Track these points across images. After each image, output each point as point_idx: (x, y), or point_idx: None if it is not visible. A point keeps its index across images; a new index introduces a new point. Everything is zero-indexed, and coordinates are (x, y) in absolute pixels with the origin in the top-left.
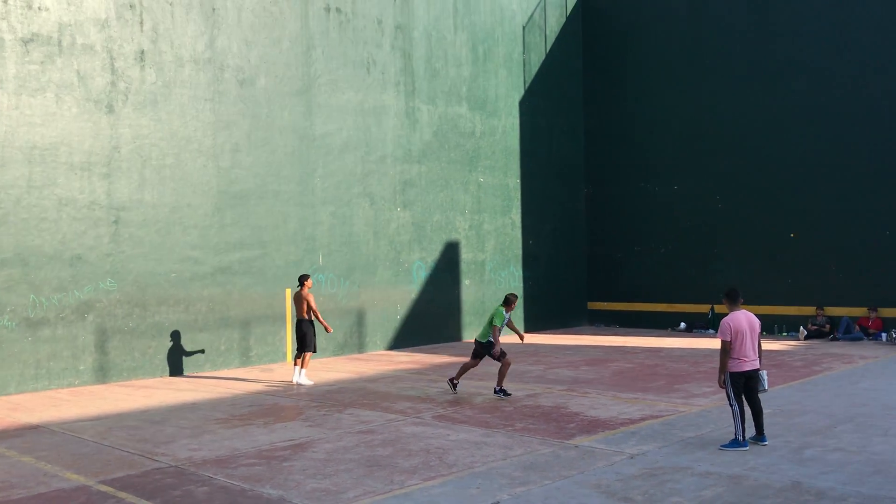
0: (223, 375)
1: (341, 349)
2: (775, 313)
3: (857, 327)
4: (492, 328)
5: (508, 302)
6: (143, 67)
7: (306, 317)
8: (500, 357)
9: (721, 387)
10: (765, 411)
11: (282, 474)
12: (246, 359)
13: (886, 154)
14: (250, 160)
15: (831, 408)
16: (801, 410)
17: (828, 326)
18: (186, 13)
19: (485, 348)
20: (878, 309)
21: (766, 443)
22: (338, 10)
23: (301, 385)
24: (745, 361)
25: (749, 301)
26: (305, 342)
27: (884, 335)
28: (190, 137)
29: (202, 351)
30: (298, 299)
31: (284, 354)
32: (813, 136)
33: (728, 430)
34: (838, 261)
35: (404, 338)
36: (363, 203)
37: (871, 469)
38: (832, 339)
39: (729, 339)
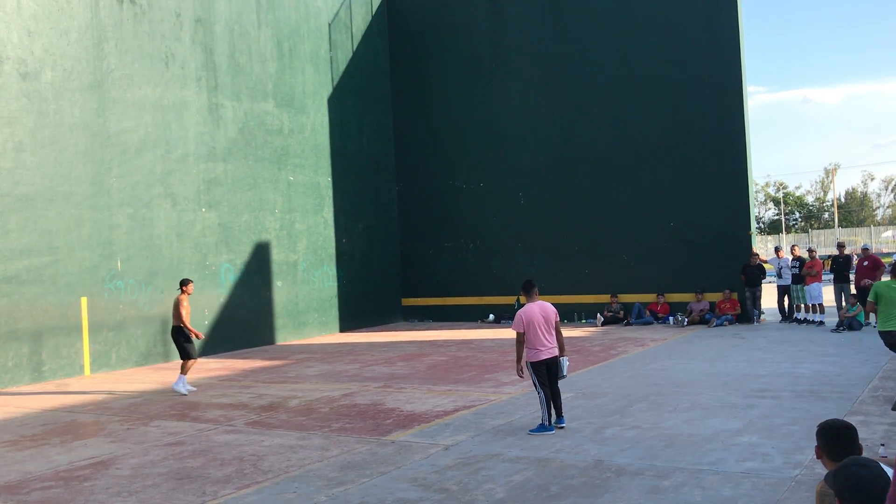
0: (11, 392)
1: (145, 359)
2: (575, 302)
3: (648, 312)
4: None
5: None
6: None
7: (182, 323)
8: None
9: (519, 376)
10: (567, 394)
11: (82, 495)
12: (38, 374)
13: (670, 152)
14: (36, 160)
15: (627, 388)
16: (600, 392)
17: (622, 313)
18: None
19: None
20: (665, 294)
21: (564, 424)
22: (132, 1)
23: (180, 394)
24: (542, 350)
25: (551, 291)
26: (187, 350)
27: (671, 318)
28: None
29: None
30: (175, 305)
31: (82, 367)
32: (605, 134)
33: (536, 415)
34: (629, 251)
35: (214, 344)
36: (165, 204)
37: (663, 444)
38: (626, 325)
39: (522, 331)
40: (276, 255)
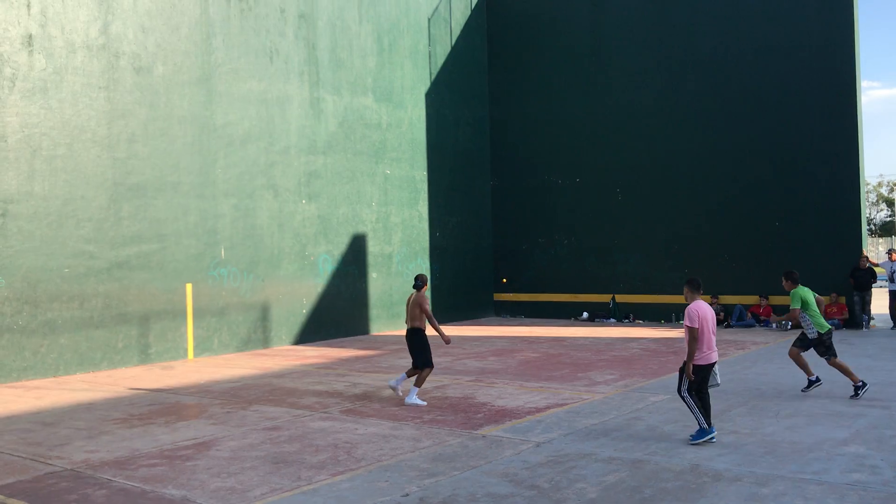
0: (121, 374)
1: (245, 345)
2: (673, 302)
3: (749, 314)
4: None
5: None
6: (31, 53)
7: (419, 324)
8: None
9: (690, 378)
10: (663, 396)
11: (185, 474)
12: (145, 356)
13: (777, 149)
14: (147, 150)
15: (726, 392)
16: None
17: (722, 314)
18: None
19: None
20: (769, 297)
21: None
22: None
23: (417, 405)
24: (712, 353)
25: (648, 290)
26: (426, 356)
27: (773, 323)
28: (83, 127)
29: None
30: (417, 304)
31: (186, 351)
32: (708, 132)
33: (629, 416)
34: (731, 251)
35: (311, 332)
36: (267, 195)
37: (763, 450)
38: (726, 327)
39: (697, 327)
40: (372, 247)
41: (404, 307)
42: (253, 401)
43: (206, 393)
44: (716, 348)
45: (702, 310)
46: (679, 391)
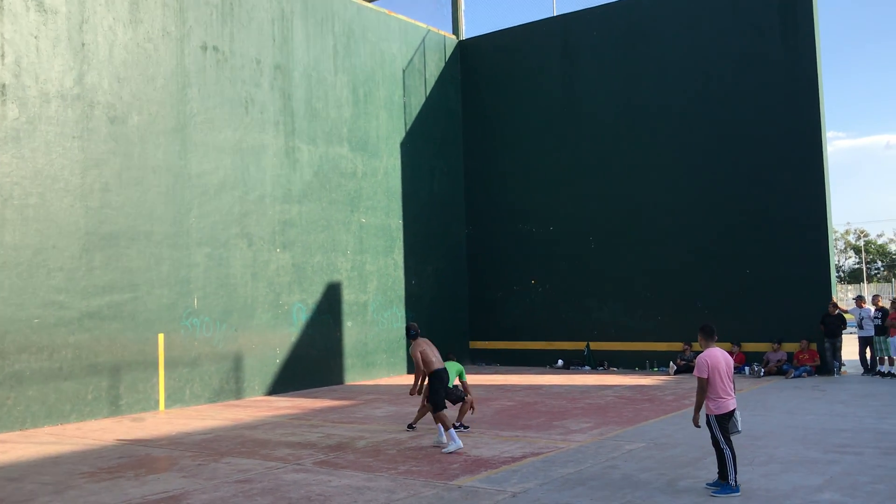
0: (90, 426)
1: (217, 396)
2: (647, 349)
3: None
4: (463, 384)
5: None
6: (3, 102)
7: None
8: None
9: (696, 426)
10: (638, 444)
11: None
12: (115, 408)
13: (746, 198)
14: (121, 200)
15: (701, 439)
16: (673, 443)
17: (695, 361)
18: (53, 47)
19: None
20: (741, 344)
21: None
22: (215, 48)
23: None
24: (728, 399)
25: (622, 337)
26: (440, 398)
27: (746, 369)
28: (56, 176)
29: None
30: (433, 347)
31: (157, 402)
32: (679, 182)
33: (606, 465)
34: (703, 298)
35: (284, 382)
36: (241, 244)
37: (739, 499)
38: None
39: (706, 377)
40: (347, 296)
41: (379, 356)
42: (225, 453)
43: (177, 445)
44: (734, 395)
45: (713, 358)
46: (716, 444)
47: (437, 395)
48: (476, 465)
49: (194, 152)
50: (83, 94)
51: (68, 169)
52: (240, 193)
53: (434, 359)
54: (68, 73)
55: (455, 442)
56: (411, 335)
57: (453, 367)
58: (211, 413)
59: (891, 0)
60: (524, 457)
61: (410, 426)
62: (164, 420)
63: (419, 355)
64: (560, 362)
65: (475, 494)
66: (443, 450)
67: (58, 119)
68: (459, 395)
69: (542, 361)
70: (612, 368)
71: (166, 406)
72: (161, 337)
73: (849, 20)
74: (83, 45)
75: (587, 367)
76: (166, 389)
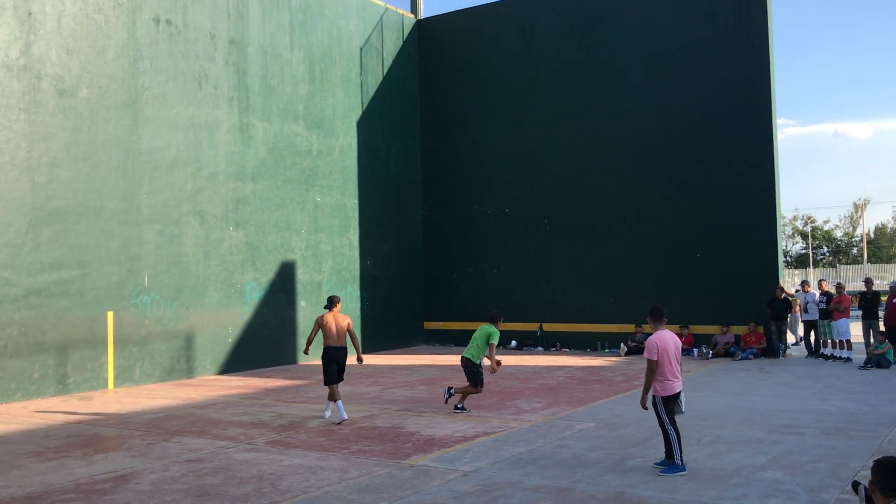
0: (37, 405)
1: (168, 375)
2: (599, 331)
3: None
4: (489, 347)
5: (498, 318)
6: None
7: (345, 342)
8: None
9: (644, 408)
10: (588, 424)
11: None
12: (63, 386)
13: (698, 184)
14: (69, 175)
15: (649, 420)
16: (622, 423)
17: (645, 344)
18: None
19: (479, 368)
20: (690, 326)
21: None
22: (168, 21)
23: (343, 418)
24: (675, 382)
25: (574, 319)
26: (341, 372)
27: (695, 350)
28: (1, 149)
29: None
30: (338, 323)
31: (106, 381)
32: (633, 166)
33: (556, 444)
34: (655, 282)
35: (237, 362)
36: (193, 221)
37: (686, 477)
38: None
39: (656, 359)
40: (301, 276)
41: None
42: (175, 432)
43: (126, 424)
44: (680, 377)
45: (662, 341)
46: (661, 424)
47: (324, 370)
48: (429, 444)
49: (146, 127)
50: (30, 65)
51: (14, 142)
52: (192, 170)
53: (333, 335)
54: (14, 43)
55: (341, 413)
56: (325, 306)
57: (483, 332)
58: (161, 392)
59: None
60: (476, 436)
61: (457, 407)
62: (112, 399)
63: (316, 324)
64: (513, 343)
65: (427, 473)
66: (331, 419)
67: (3, 90)
68: (476, 378)
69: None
70: (564, 349)
71: (115, 385)
72: (110, 315)
73: (802, 10)
74: (30, 14)
75: (540, 348)
76: (115, 368)
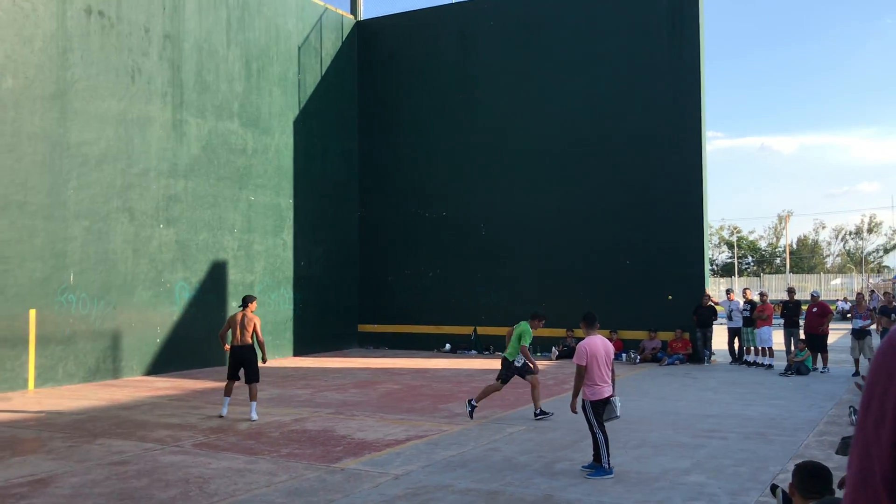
0: None
1: (93, 375)
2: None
3: None
4: (520, 347)
5: (538, 317)
6: None
7: (251, 341)
8: (529, 374)
9: (573, 412)
10: (519, 427)
11: None
12: None
13: (629, 193)
14: None
15: (578, 423)
16: (552, 426)
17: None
18: None
19: (514, 369)
20: (619, 331)
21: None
22: (100, 13)
23: (254, 420)
24: (604, 387)
25: (508, 322)
26: (254, 370)
27: (623, 355)
28: None
29: None
30: (244, 322)
31: (26, 381)
32: (567, 173)
33: (487, 447)
34: (586, 287)
35: (165, 363)
36: (122, 218)
37: (613, 480)
38: None
39: (585, 364)
40: (233, 276)
41: (266, 337)
42: (99, 434)
43: (46, 426)
44: (610, 382)
45: (592, 346)
46: (590, 427)
47: (228, 367)
48: (360, 447)
49: (74, 120)
50: None
51: None
52: (123, 166)
53: (237, 334)
54: None
55: (224, 407)
56: (239, 305)
57: (517, 331)
58: (85, 393)
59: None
60: (408, 439)
61: (471, 403)
62: (33, 400)
63: (227, 322)
64: (448, 346)
65: (358, 477)
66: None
67: None
68: (505, 376)
69: (430, 345)
70: (497, 353)
71: (36, 385)
72: (33, 313)
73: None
74: None
75: (474, 352)
76: (37, 368)
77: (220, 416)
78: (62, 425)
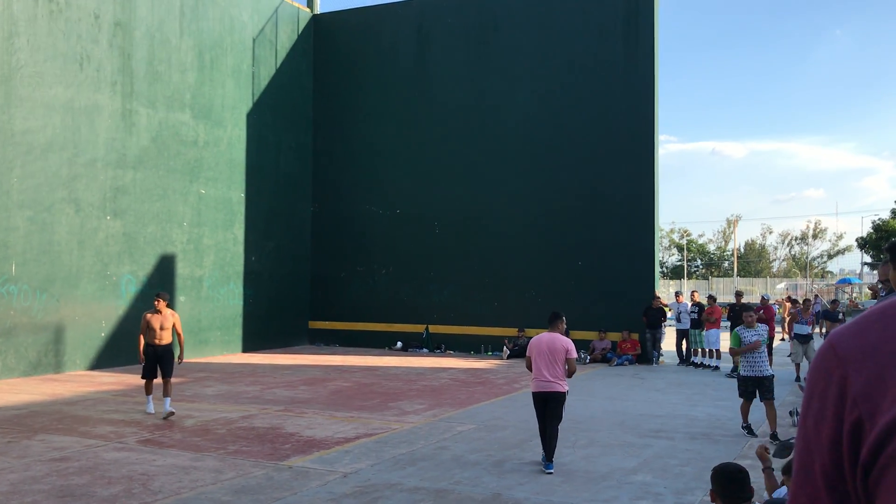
0: None
1: (34, 369)
2: (482, 333)
3: None
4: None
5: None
6: None
7: (170, 339)
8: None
9: None
10: (468, 426)
11: None
12: None
13: (582, 194)
14: None
15: (528, 422)
16: (501, 425)
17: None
18: None
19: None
20: (570, 331)
21: (551, 470)
22: None
23: (173, 413)
24: (537, 381)
25: (460, 321)
26: (171, 367)
27: None
28: None
29: None
30: (163, 322)
31: None
32: (521, 173)
33: (437, 445)
34: (537, 287)
35: (110, 357)
36: (67, 209)
37: (561, 479)
38: None
39: (527, 356)
40: (182, 270)
41: (213, 334)
42: (39, 429)
43: None
44: (551, 378)
45: (536, 341)
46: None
47: (144, 367)
48: (308, 445)
49: (19, 107)
50: None
51: None
52: (69, 155)
53: (155, 333)
54: None
55: (149, 404)
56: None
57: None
58: (26, 387)
59: (724, 15)
60: (357, 437)
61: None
62: None
63: (142, 326)
64: (399, 344)
65: (305, 475)
66: (158, 414)
67: None
68: None
69: (381, 343)
70: (448, 351)
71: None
72: None
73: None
74: None
75: (425, 350)
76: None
77: (148, 413)
78: (0, 420)
